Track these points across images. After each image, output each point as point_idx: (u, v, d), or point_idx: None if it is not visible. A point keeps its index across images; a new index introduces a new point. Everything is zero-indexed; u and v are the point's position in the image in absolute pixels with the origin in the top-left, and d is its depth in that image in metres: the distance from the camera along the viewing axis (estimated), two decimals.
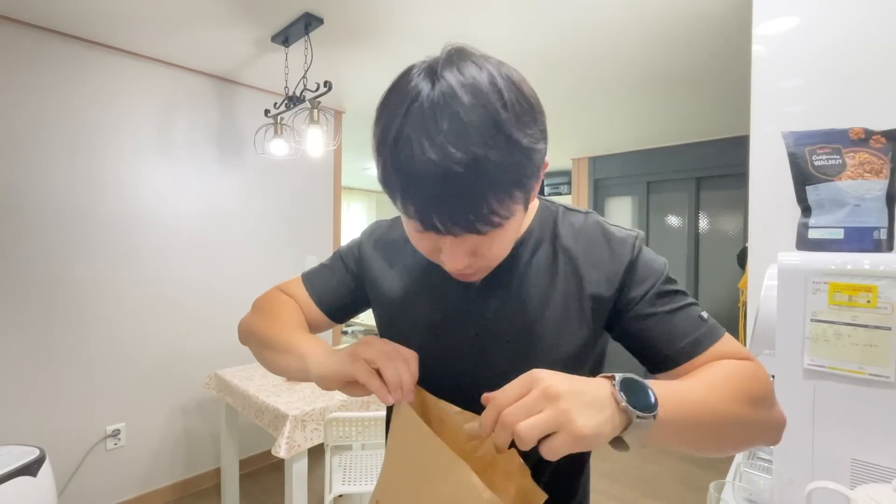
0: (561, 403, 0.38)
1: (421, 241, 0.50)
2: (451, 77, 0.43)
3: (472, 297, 0.59)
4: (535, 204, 0.62)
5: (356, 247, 0.72)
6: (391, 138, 0.43)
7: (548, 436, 0.37)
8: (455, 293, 0.60)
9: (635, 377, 0.42)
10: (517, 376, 0.44)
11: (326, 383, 0.52)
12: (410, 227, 0.49)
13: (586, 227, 0.60)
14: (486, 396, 0.42)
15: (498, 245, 0.49)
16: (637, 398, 0.40)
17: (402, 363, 0.49)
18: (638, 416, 0.39)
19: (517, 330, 0.57)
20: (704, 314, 0.56)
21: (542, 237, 0.60)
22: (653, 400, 0.40)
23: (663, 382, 0.44)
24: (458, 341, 0.59)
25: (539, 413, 0.38)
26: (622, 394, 0.40)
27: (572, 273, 0.57)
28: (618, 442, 0.41)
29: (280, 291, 0.72)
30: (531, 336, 0.56)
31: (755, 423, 0.49)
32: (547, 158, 0.49)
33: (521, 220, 0.50)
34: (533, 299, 0.57)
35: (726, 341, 0.54)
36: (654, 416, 0.39)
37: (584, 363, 0.58)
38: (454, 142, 0.40)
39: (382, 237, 0.70)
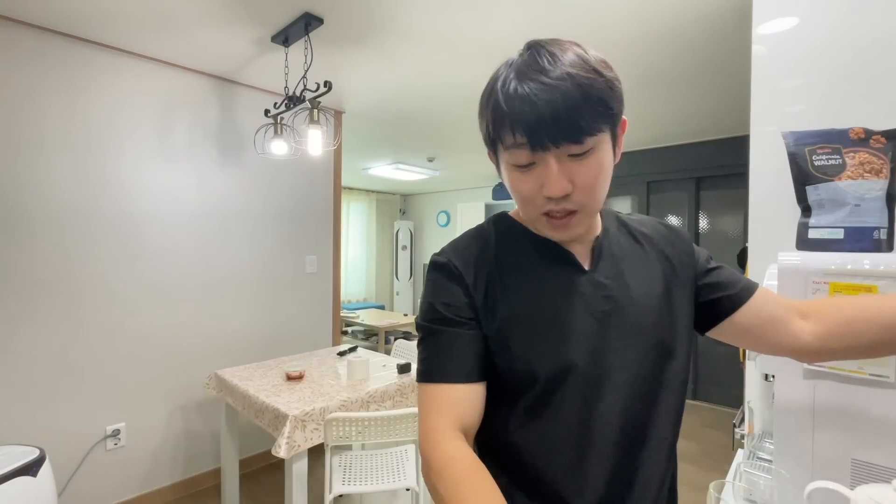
0: None
1: (524, 181, 0.56)
2: (538, 41, 0.56)
3: (590, 280, 0.63)
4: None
5: (457, 286, 0.62)
6: (500, 83, 0.54)
7: None
8: (575, 280, 0.63)
9: None
10: (643, 344, 0.60)
11: None
12: (515, 164, 0.56)
13: (643, 219, 0.73)
14: None
15: (592, 173, 0.55)
16: None
17: None
18: None
19: (635, 302, 0.62)
20: (738, 274, 0.72)
21: (617, 229, 0.69)
22: None
23: None
24: (589, 323, 0.61)
25: None
26: None
27: (659, 252, 0.68)
28: None
29: (442, 438, 0.56)
30: (650, 303, 0.63)
31: None
32: (625, 117, 0.59)
33: (610, 159, 0.57)
34: (639, 273, 0.65)
35: (765, 290, 0.69)
36: None
37: (688, 332, 0.67)
38: (550, 69, 0.52)
39: (465, 253, 0.64)
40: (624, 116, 0.58)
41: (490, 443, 0.64)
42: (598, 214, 0.69)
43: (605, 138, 0.55)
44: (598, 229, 0.67)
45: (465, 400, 0.58)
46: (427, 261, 6.94)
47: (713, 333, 0.70)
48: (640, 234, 0.69)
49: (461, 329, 0.60)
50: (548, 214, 0.58)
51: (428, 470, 0.56)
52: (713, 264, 0.70)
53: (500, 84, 0.54)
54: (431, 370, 0.60)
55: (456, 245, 0.65)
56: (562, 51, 0.53)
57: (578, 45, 0.55)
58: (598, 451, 0.58)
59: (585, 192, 0.56)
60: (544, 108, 0.51)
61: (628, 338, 0.61)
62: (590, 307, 0.61)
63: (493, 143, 0.58)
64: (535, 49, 0.54)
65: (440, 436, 0.56)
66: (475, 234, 0.67)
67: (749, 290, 0.67)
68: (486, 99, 0.57)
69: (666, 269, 0.67)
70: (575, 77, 0.51)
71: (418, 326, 0.64)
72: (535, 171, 0.55)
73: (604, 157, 0.55)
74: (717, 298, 0.67)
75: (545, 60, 0.52)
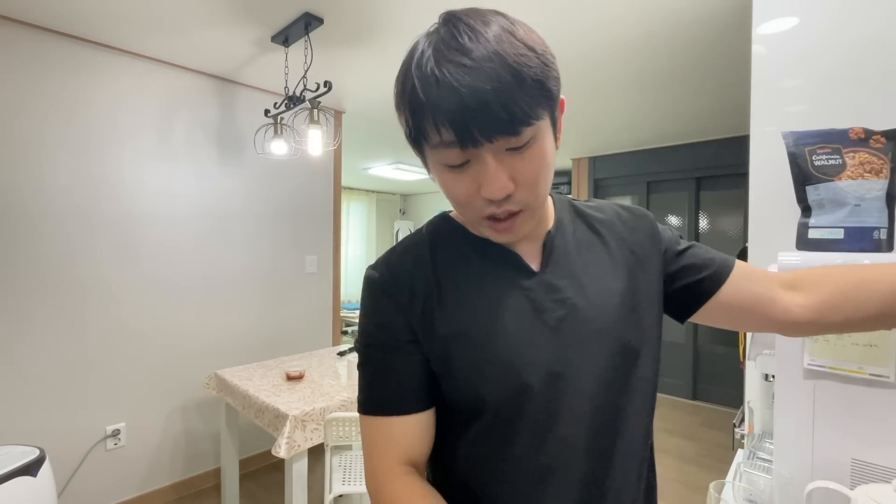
0: None
1: (458, 182, 0.48)
2: (455, 12, 0.47)
3: (541, 282, 0.56)
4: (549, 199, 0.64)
5: (382, 304, 0.56)
6: (414, 68, 0.45)
7: None
8: (524, 283, 0.55)
9: None
10: (604, 350, 0.53)
11: None
12: (445, 165, 0.48)
13: (601, 204, 0.66)
14: None
15: (534, 167, 0.47)
16: None
17: None
18: None
19: (594, 303, 0.55)
20: (711, 250, 0.66)
21: (572, 220, 0.62)
22: None
23: None
24: (542, 330, 0.53)
25: None
26: None
27: (619, 241, 0.61)
28: None
29: (388, 478, 0.52)
30: (609, 305, 0.56)
31: None
32: (563, 96, 0.52)
33: (552, 148, 0.50)
34: (597, 271, 0.58)
35: (741, 263, 0.64)
36: None
37: (657, 328, 0.61)
38: (472, 48, 0.43)
39: (399, 266, 0.57)
40: (562, 95, 0.51)
41: (442, 469, 0.58)
42: (551, 205, 0.62)
43: (545, 125, 0.47)
44: (550, 223, 0.60)
45: (408, 433, 0.53)
46: None
47: (694, 318, 0.63)
48: (598, 223, 0.62)
49: (398, 354, 0.54)
50: (490, 217, 0.50)
51: None
52: (683, 245, 0.64)
53: (414, 66, 0.45)
54: (370, 401, 0.55)
55: (389, 257, 0.58)
56: (484, 23, 0.44)
57: (503, 15, 0.47)
58: (558, 485, 0.52)
59: (529, 189, 0.48)
60: (469, 97, 0.42)
61: (589, 345, 0.53)
62: (542, 314, 0.53)
63: (416, 141, 0.49)
64: (452, 23, 0.45)
65: (385, 476, 0.52)
66: (410, 243, 0.59)
67: (727, 266, 0.61)
68: (402, 85, 0.47)
69: (629, 260, 0.60)
70: (503, 56, 0.42)
71: (356, 349, 0.59)
72: (469, 170, 0.47)
73: (545, 146, 0.48)
74: (693, 282, 0.61)
75: (465, 37, 0.43)
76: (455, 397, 0.54)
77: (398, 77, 0.48)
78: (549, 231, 0.59)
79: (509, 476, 0.52)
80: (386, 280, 0.56)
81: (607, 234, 0.61)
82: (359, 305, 0.60)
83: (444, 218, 0.62)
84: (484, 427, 0.53)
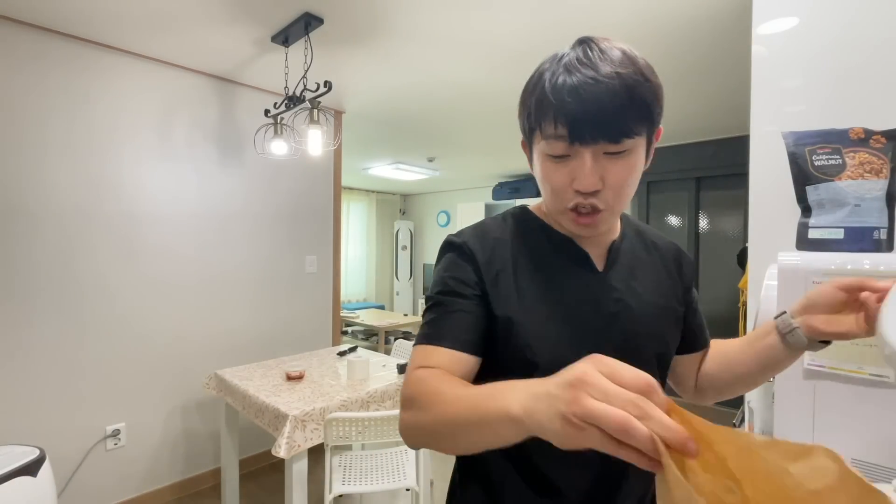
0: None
1: (557, 172, 0.57)
2: (589, 37, 0.56)
3: (601, 282, 0.65)
4: None
5: (467, 263, 0.63)
6: (548, 72, 0.55)
7: None
8: (585, 278, 0.65)
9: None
10: (646, 349, 0.63)
11: (558, 443, 0.38)
12: (550, 154, 0.56)
13: (657, 234, 0.77)
14: None
15: (624, 174, 0.55)
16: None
17: (646, 420, 0.32)
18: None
19: (643, 307, 0.65)
20: None
21: (634, 235, 0.72)
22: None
23: None
24: (595, 322, 0.62)
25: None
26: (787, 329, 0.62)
27: (664, 266, 0.71)
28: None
29: (420, 369, 0.57)
30: (657, 314, 0.66)
31: None
32: (661, 127, 0.60)
33: (642, 164, 0.57)
34: (649, 282, 0.68)
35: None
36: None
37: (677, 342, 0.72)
38: (600, 65, 0.52)
39: (488, 240, 0.64)
40: (661, 125, 0.60)
41: None
42: (618, 220, 0.71)
43: (641, 142, 0.55)
44: (616, 233, 0.69)
45: (454, 365, 0.57)
46: (426, 261, 6.95)
47: None
48: (654, 245, 0.73)
49: (466, 301, 0.60)
50: (574, 209, 0.58)
51: (404, 396, 0.56)
52: (695, 302, 0.76)
53: (548, 74, 0.55)
54: (429, 334, 0.60)
55: (474, 228, 0.67)
56: (611, 47, 0.54)
57: (629, 52, 0.55)
58: (583, 456, 0.52)
59: (614, 192, 0.56)
60: (590, 103, 0.51)
61: (633, 341, 0.62)
62: (600, 308, 0.62)
63: (531, 131, 0.58)
64: (586, 44, 0.55)
65: (415, 370, 0.57)
66: (494, 222, 0.68)
67: (705, 343, 0.76)
68: (532, 87, 0.58)
69: (675, 285, 0.71)
70: (624, 77, 0.51)
71: (427, 299, 0.64)
72: (569, 163, 0.55)
73: (637, 160, 0.56)
74: (685, 333, 0.73)
75: (596, 55, 0.53)
76: (511, 356, 0.60)
77: (531, 77, 0.59)
78: (615, 240, 0.68)
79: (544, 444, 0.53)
80: (468, 245, 0.64)
81: (659, 256, 0.72)
82: (435, 269, 0.68)
83: (524, 210, 0.71)
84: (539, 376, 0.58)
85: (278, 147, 2.23)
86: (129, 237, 2.18)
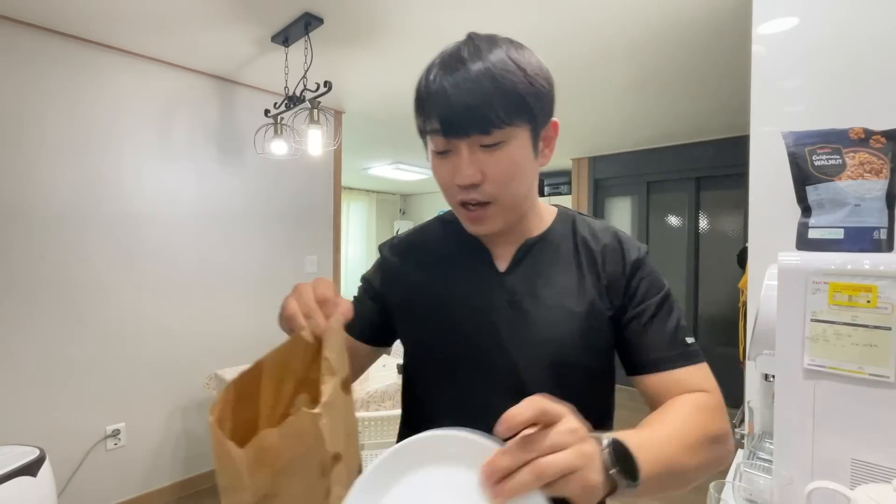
0: (586, 447, 0.36)
1: (441, 167, 0.58)
2: (475, 34, 0.57)
3: (500, 284, 0.63)
4: (553, 209, 0.71)
5: (376, 265, 0.76)
6: (427, 69, 0.56)
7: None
8: (484, 281, 0.64)
9: (623, 443, 0.41)
10: (545, 357, 0.57)
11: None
12: (434, 150, 0.58)
13: (602, 230, 0.67)
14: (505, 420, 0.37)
15: (503, 166, 0.55)
16: (625, 467, 0.40)
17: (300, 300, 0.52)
18: (626, 485, 0.40)
19: (542, 314, 0.61)
20: (690, 339, 0.62)
21: (564, 233, 0.67)
22: (638, 470, 0.40)
23: (641, 438, 0.44)
24: (486, 329, 0.62)
25: (564, 452, 0.35)
26: (613, 462, 0.39)
27: (592, 266, 0.64)
28: None
29: None
30: (559, 319, 0.61)
31: (716, 461, 0.54)
32: (556, 120, 0.60)
33: (525, 157, 0.56)
34: (558, 287, 0.62)
35: (699, 369, 0.61)
36: (637, 485, 0.40)
37: (606, 360, 0.64)
38: (469, 60, 0.53)
39: (400, 244, 0.74)
40: (555, 119, 0.60)
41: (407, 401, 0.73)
42: (548, 214, 0.68)
43: (519, 133, 0.55)
44: (536, 231, 0.66)
45: (350, 348, 0.65)
46: None
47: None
48: (585, 245, 0.65)
49: (365, 297, 0.74)
50: (464, 206, 0.58)
51: None
52: (646, 315, 0.61)
53: (426, 72, 0.56)
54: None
55: (398, 236, 0.76)
56: (490, 46, 0.54)
57: (516, 47, 0.56)
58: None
59: (496, 185, 0.56)
60: (456, 97, 0.52)
61: (523, 346, 0.60)
62: (492, 309, 0.62)
63: (420, 130, 0.59)
64: (466, 41, 0.56)
65: None
66: (427, 224, 0.75)
67: (664, 364, 0.59)
68: (418, 82, 0.58)
69: (598, 287, 0.62)
70: (491, 70, 0.52)
71: None
72: (450, 158, 0.56)
73: (516, 152, 0.55)
74: (622, 349, 0.63)
75: (467, 51, 0.54)
76: (406, 343, 0.71)
77: (419, 77, 0.59)
78: (529, 239, 0.65)
79: (436, 421, 0.59)
80: (382, 249, 0.75)
81: (586, 258, 0.64)
82: None
83: (448, 212, 0.71)
84: (429, 372, 0.66)
85: (278, 147, 2.23)
86: (128, 237, 2.18)
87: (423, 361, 0.68)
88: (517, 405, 0.36)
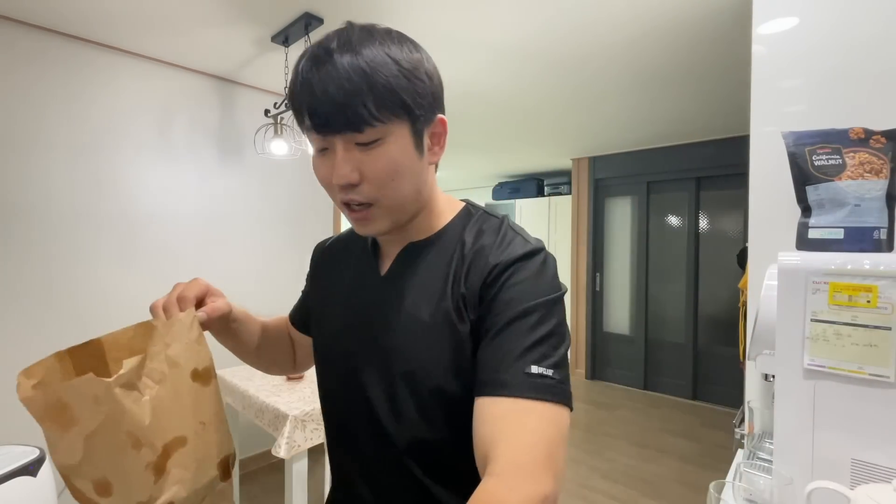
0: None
1: (320, 166, 0.55)
2: (345, 25, 0.54)
3: (379, 288, 0.62)
4: (458, 206, 0.64)
5: (310, 265, 0.80)
6: (297, 62, 0.52)
7: None
8: (366, 284, 0.64)
9: None
10: (396, 369, 0.56)
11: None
12: (313, 149, 0.55)
13: (488, 226, 0.59)
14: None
15: (380, 165, 0.51)
16: None
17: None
18: None
19: (400, 318, 0.57)
20: (541, 369, 0.47)
21: (453, 235, 0.60)
22: None
23: None
24: (357, 326, 0.62)
25: None
26: None
27: (457, 273, 0.56)
28: None
29: None
30: (407, 328, 0.56)
31: None
32: (443, 116, 0.57)
33: (406, 155, 0.53)
34: (426, 301, 0.56)
35: (528, 409, 0.45)
36: None
37: (463, 384, 0.53)
38: (337, 52, 0.49)
39: (321, 245, 0.78)
40: (442, 116, 0.56)
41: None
42: (447, 214, 0.62)
43: (396, 130, 0.51)
44: (427, 232, 0.61)
45: (281, 321, 0.87)
46: None
47: None
48: (460, 248, 0.58)
49: (305, 289, 0.80)
50: (347, 206, 0.55)
51: None
52: (495, 329, 0.50)
53: (296, 62, 0.52)
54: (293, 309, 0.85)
55: (334, 235, 0.81)
56: (364, 37, 0.51)
57: (395, 39, 0.53)
58: (351, 438, 0.63)
59: (375, 186, 0.52)
60: (323, 93, 0.48)
61: (381, 353, 0.57)
62: (364, 313, 0.62)
63: (300, 126, 0.55)
64: (339, 31, 0.52)
65: None
66: (347, 230, 0.75)
67: (482, 388, 0.48)
68: (290, 79, 0.54)
69: (456, 297, 0.54)
70: (360, 64, 0.48)
71: None
72: (328, 156, 0.53)
73: (395, 150, 0.51)
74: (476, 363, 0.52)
75: (337, 42, 0.50)
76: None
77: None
78: (413, 242, 0.61)
79: (325, 416, 0.70)
80: (316, 247, 0.79)
81: (455, 262, 0.57)
82: None
83: None
84: (319, 372, 0.70)
85: (278, 147, 2.23)
86: (128, 237, 2.18)
87: (315, 359, 0.72)
88: None
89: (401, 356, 0.56)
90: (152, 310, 0.61)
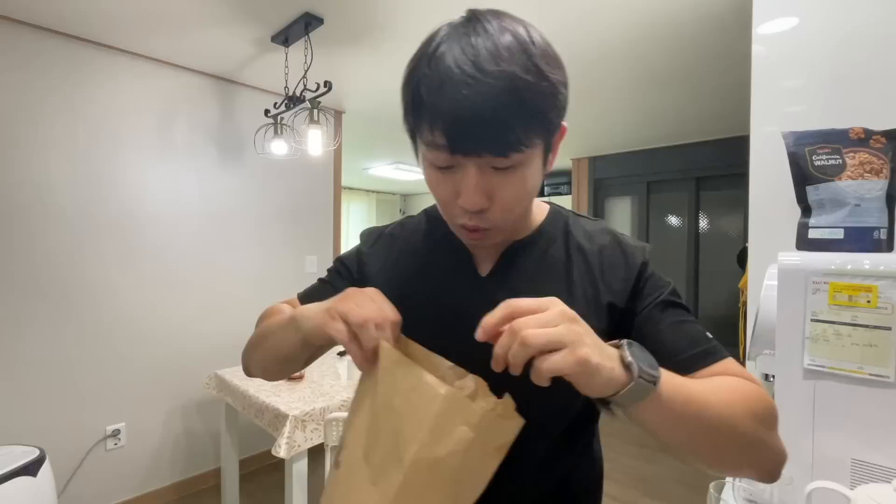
0: (577, 326, 0.38)
1: (441, 184, 0.50)
2: (479, 13, 0.47)
3: (481, 289, 0.57)
4: (544, 206, 0.64)
5: (355, 252, 0.70)
6: (425, 61, 0.45)
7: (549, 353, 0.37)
8: (463, 284, 0.59)
9: (641, 345, 0.42)
10: (525, 375, 0.47)
11: (312, 338, 0.51)
12: (432, 164, 0.49)
13: (598, 231, 0.61)
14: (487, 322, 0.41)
15: (514, 190, 0.48)
16: (642, 361, 0.39)
17: (379, 330, 0.45)
18: (640, 377, 0.38)
19: None
20: (709, 334, 0.55)
21: (555, 235, 0.60)
22: (657, 370, 0.40)
23: (669, 372, 0.43)
24: (464, 335, 0.54)
25: (553, 328, 0.37)
26: (629, 352, 0.39)
27: (587, 274, 0.57)
28: (607, 405, 0.41)
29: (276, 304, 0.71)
30: None
31: (756, 439, 0.46)
32: (565, 123, 0.52)
33: (538, 176, 0.50)
34: (552, 293, 0.54)
35: (732, 362, 0.53)
36: (655, 383, 0.39)
37: None
38: (487, 57, 0.42)
39: (381, 236, 0.69)
40: (564, 122, 0.51)
41: None
42: (539, 214, 0.62)
43: (535, 153, 0.47)
44: (524, 233, 0.60)
45: None
46: None
47: None
48: (578, 250, 0.58)
49: (335, 277, 0.69)
50: (463, 225, 0.51)
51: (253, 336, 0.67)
52: (671, 314, 0.55)
53: (425, 60, 0.45)
54: (301, 296, 0.70)
55: (382, 227, 0.71)
56: (503, 32, 0.44)
57: (524, 28, 0.47)
58: None
59: (503, 211, 0.49)
60: (469, 110, 0.42)
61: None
62: (473, 315, 0.53)
63: (412, 130, 0.50)
64: (472, 25, 0.45)
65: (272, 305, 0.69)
66: (407, 220, 0.70)
67: (695, 363, 0.51)
68: (410, 74, 0.48)
69: (588, 298, 0.56)
70: (513, 77, 0.42)
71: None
72: (453, 175, 0.48)
73: (530, 173, 0.48)
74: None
75: (479, 41, 0.43)
76: None
77: (410, 62, 0.49)
78: (518, 241, 0.59)
79: None
80: (362, 236, 0.71)
81: (579, 264, 0.57)
82: None
83: (434, 206, 0.65)
84: None
85: (278, 147, 2.23)
86: (128, 237, 2.18)
87: None
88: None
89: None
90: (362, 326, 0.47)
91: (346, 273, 0.68)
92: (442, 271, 0.60)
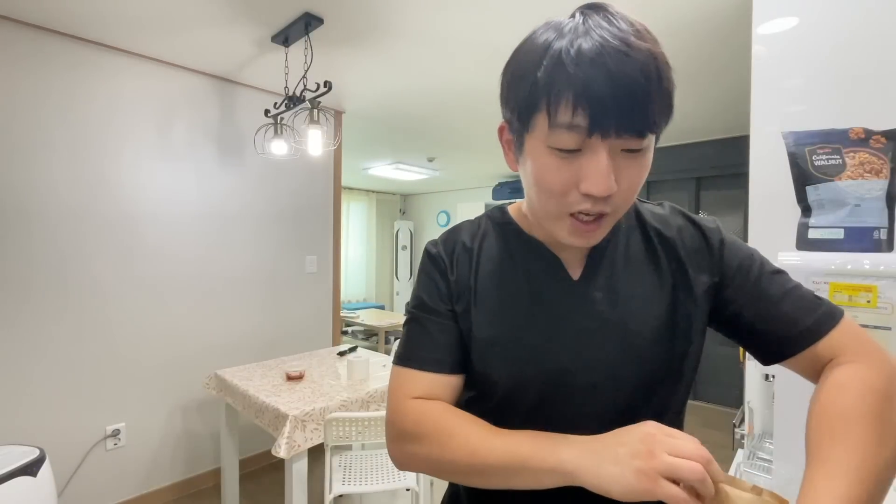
0: None
1: (560, 170, 0.46)
2: (595, 4, 0.47)
3: (575, 292, 0.55)
4: None
5: (432, 275, 0.60)
6: (566, 40, 0.43)
7: None
8: (555, 288, 0.56)
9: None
10: (628, 373, 0.51)
11: (619, 497, 0.42)
12: (554, 148, 0.45)
13: (668, 214, 0.60)
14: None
15: (639, 175, 0.47)
16: None
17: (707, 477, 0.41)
18: None
19: (628, 323, 0.53)
20: (816, 294, 0.54)
21: (631, 227, 0.59)
22: None
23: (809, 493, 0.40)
24: (563, 339, 0.54)
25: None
26: None
27: (674, 261, 0.56)
28: None
29: (416, 401, 0.55)
30: (644, 329, 0.54)
31: None
32: None
33: (648, 166, 0.48)
34: (640, 289, 0.55)
35: (847, 325, 0.51)
36: None
37: (694, 359, 0.58)
38: (635, 35, 0.42)
39: (451, 246, 0.61)
40: None
41: None
42: None
43: (654, 141, 0.47)
44: None
45: (438, 388, 0.56)
46: None
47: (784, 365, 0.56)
48: (658, 237, 0.58)
49: (439, 318, 0.58)
50: (576, 215, 0.48)
51: (402, 429, 0.54)
52: (774, 286, 0.53)
53: (562, 42, 0.43)
54: (405, 354, 0.58)
55: (448, 236, 0.62)
56: (626, 19, 0.45)
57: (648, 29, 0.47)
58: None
59: (626, 196, 0.47)
60: (621, 83, 0.41)
61: (617, 362, 0.53)
62: (573, 323, 0.54)
63: (527, 116, 0.46)
64: (601, 13, 0.44)
65: (408, 401, 0.55)
66: (470, 227, 0.63)
67: (810, 337, 0.50)
68: (535, 59, 0.45)
69: (679, 283, 0.55)
70: (658, 56, 0.42)
71: (406, 312, 0.62)
72: (578, 160, 0.45)
73: (649, 160, 0.48)
74: (750, 337, 0.55)
75: (623, 24, 0.43)
76: (471, 372, 0.57)
77: (521, 47, 0.49)
78: (600, 241, 0.55)
79: None
80: (442, 256, 0.60)
81: (663, 251, 0.57)
82: (416, 279, 0.65)
83: (502, 211, 0.63)
84: (489, 408, 0.55)
85: (278, 147, 2.23)
86: (128, 237, 2.18)
87: (490, 386, 0.56)
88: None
89: (636, 364, 0.53)
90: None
91: (443, 306, 0.58)
92: (532, 280, 0.57)
